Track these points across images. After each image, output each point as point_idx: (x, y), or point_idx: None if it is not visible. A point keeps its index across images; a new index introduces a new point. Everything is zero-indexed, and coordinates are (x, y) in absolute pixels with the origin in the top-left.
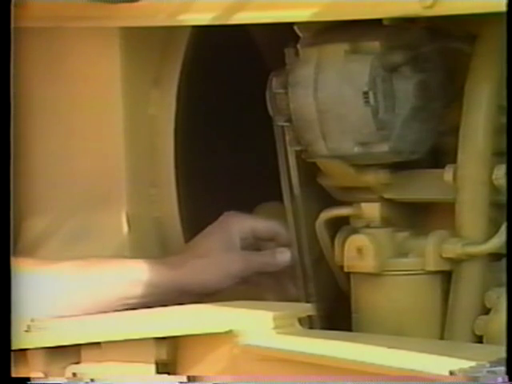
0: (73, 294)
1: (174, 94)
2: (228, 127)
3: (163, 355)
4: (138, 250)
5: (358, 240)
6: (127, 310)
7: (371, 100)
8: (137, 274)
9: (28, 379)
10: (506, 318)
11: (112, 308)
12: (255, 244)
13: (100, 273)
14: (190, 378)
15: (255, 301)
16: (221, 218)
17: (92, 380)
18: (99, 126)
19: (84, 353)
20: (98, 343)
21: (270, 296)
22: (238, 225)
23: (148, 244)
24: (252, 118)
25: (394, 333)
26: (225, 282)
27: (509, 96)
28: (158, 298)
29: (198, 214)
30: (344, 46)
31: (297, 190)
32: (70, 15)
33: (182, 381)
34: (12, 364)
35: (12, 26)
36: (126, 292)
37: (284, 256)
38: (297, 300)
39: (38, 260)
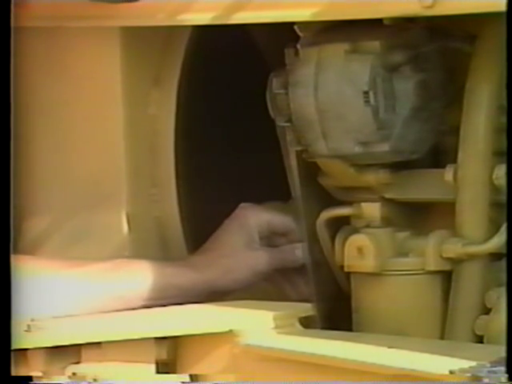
0: (99, 298)
1: (175, 93)
2: (229, 127)
3: (163, 355)
4: (138, 249)
5: (358, 240)
6: None
7: (371, 100)
8: (164, 278)
9: (28, 379)
10: (506, 318)
11: (134, 308)
12: (269, 239)
13: (127, 276)
14: (192, 378)
15: (259, 300)
16: (237, 210)
17: (95, 380)
18: (99, 125)
19: (84, 352)
20: (99, 343)
21: (289, 292)
22: (256, 218)
23: (148, 244)
24: (253, 118)
25: (395, 333)
26: (252, 280)
27: (509, 96)
28: (186, 300)
29: (198, 214)
30: (344, 46)
31: (297, 190)
32: (70, 15)
33: (184, 380)
34: (12, 363)
35: (12, 25)
36: (154, 295)
37: (301, 252)
38: (301, 299)
39: (62, 261)
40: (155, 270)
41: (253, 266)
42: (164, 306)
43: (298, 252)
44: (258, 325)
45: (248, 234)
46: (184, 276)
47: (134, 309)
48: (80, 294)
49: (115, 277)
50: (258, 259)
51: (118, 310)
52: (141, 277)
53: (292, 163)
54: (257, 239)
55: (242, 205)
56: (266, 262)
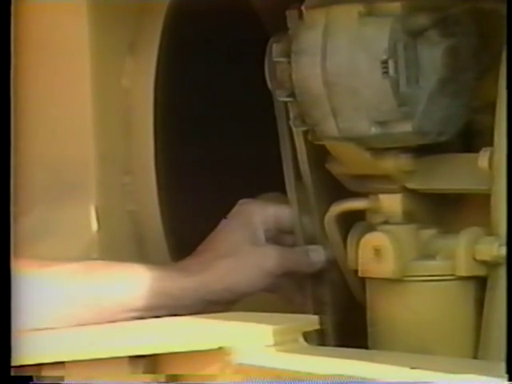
0: (71, 302)
1: (153, 63)
2: (218, 103)
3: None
4: (108, 249)
5: (375, 239)
6: None
7: (391, 70)
8: (149, 283)
9: (28, 379)
10: (506, 318)
11: (116, 321)
12: (276, 238)
13: (104, 279)
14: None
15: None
16: (237, 206)
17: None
18: (62, 101)
19: (45, 371)
20: (62, 362)
21: (299, 304)
22: (261, 214)
23: (121, 243)
24: (247, 92)
25: (418, 350)
26: (258, 284)
27: (509, 96)
28: (176, 311)
29: (182, 208)
30: (358, 7)
31: (307, 178)
32: None
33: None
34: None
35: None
36: (135, 303)
37: (319, 255)
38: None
39: (35, 261)
40: (137, 275)
41: (258, 266)
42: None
43: (316, 255)
44: (253, 341)
45: (252, 232)
46: (173, 281)
47: (112, 321)
48: (44, 298)
49: (87, 282)
50: (266, 258)
51: (90, 319)
52: (119, 282)
53: (299, 146)
54: (262, 237)
55: (242, 201)
56: (276, 261)
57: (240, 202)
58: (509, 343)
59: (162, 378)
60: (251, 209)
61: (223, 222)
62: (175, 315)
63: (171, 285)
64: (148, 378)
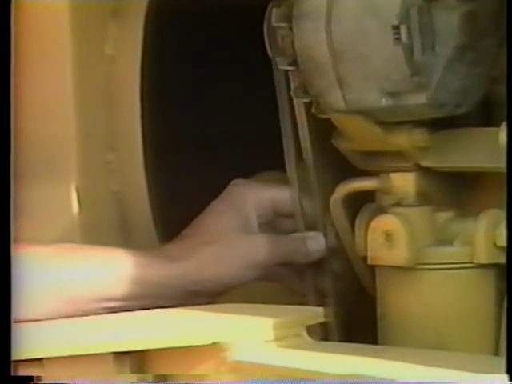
0: (39, 289)
1: (140, 28)
2: (213, 74)
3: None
4: (91, 234)
5: (386, 223)
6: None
7: (403, 37)
8: (126, 270)
9: (28, 379)
10: (506, 318)
11: (90, 311)
12: (273, 224)
13: (77, 264)
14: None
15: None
16: (229, 187)
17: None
18: (39, 70)
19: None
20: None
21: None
22: (255, 198)
23: (105, 227)
24: (244, 61)
25: (434, 346)
26: (246, 275)
27: (509, 96)
28: (157, 302)
29: (172, 189)
30: None
31: (308, 156)
32: None
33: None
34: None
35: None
36: (111, 291)
37: (318, 243)
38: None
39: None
40: (113, 260)
41: (247, 256)
42: (126, 310)
43: (314, 243)
44: (251, 335)
45: (243, 216)
46: (152, 268)
47: (85, 312)
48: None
49: (55, 265)
50: (256, 247)
51: (63, 309)
52: (93, 268)
53: (300, 119)
54: (254, 223)
55: (235, 181)
56: (267, 251)
57: (233, 182)
58: (509, 343)
59: (149, 378)
60: (244, 191)
61: (212, 204)
62: (156, 307)
63: (150, 272)
64: (134, 378)
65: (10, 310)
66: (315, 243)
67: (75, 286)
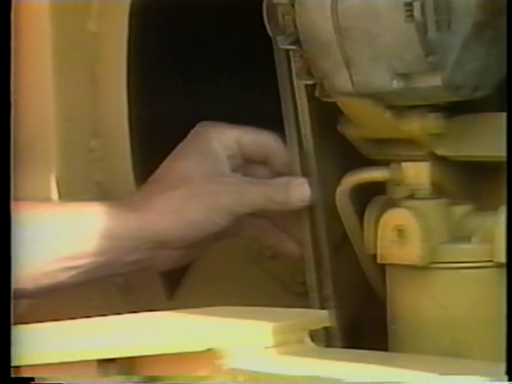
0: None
1: (126, 2)
2: (207, 52)
3: None
4: None
5: (397, 217)
6: (71, 279)
7: (417, 13)
8: (92, 223)
9: (29, 379)
10: (506, 318)
11: (51, 275)
12: (245, 169)
13: (40, 221)
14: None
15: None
16: (195, 129)
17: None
18: (16, 46)
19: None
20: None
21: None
22: (222, 137)
23: None
24: (241, 39)
25: (449, 352)
26: (214, 222)
27: (509, 96)
28: (118, 257)
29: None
30: None
31: (309, 144)
32: None
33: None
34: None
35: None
36: (71, 248)
37: (301, 190)
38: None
39: None
40: (70, 213)
41: (214, 200)
42: (87, 270)
43: (297, 190)
44: (249, 341)
45: (211, 158)
46: (114, 218)
47: (44, 274)
48: None
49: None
50: (224, 189)
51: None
52: (57, 225)
53: (301, 103)
54: (226, 166)
55: (201, 123)
56: (237, 195)
57: (200, 124)
58: (509, 343)
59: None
60: (209, 131)
61: (178, 147)
62: (122, 264)
63: (112, 223)
64: (120, 379)
65: (10, 311)
66: (298, 191)
67: (37, 247)
